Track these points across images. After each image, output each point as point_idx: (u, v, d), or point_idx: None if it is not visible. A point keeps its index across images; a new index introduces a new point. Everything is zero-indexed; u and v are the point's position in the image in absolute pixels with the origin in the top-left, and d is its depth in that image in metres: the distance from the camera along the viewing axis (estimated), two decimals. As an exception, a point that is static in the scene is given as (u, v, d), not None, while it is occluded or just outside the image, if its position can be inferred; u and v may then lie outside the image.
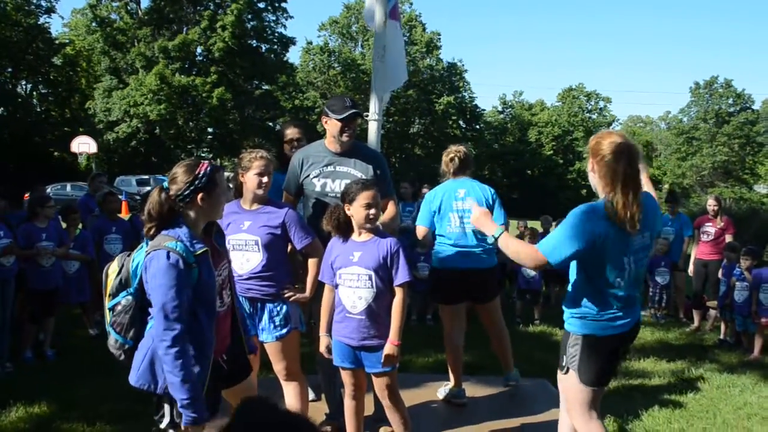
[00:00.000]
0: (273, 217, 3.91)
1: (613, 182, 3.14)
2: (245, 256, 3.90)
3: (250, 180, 3.90)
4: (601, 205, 3.19)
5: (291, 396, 4.11)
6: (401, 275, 3.69)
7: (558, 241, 3.21)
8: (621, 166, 3.13)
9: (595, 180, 3.28)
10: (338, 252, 3.81)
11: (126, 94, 37.12)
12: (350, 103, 4.27)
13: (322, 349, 3.93)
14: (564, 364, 3.41)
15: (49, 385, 5.54)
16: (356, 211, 3.71)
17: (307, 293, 3.97)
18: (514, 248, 3.40)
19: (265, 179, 3.88)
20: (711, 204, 9.18)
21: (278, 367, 4.05)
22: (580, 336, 3.34)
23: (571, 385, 3.43)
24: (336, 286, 3.83)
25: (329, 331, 3.89)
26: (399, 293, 3.71)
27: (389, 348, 3.70)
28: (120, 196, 11.31)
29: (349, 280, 3.74)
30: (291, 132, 4.90)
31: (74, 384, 5.53)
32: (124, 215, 10.06)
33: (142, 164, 39.10)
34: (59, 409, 4.98)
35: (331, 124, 4.27)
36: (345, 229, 3.80)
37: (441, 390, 5.33)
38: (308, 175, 4.35)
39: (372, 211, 3.69)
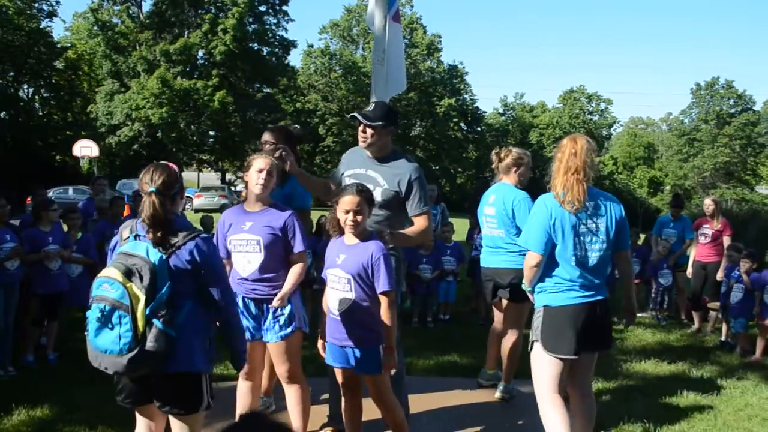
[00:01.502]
0: (275, 219, 3.93)
1: (558, 170, 3.82)
2: (246, 258, 3.94)
3: (250, 177, 3.95)
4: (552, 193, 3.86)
5: (293, 398, 4.12)
6: (382, 284, 3.66)
7: (530, 231, 3.88)
8: (565, 155, 3.82)
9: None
10: (329, 253, 3.85)
11: (128, 97, 37.20)
12: (367, 108, 4.42)
13: (319, 346, 3.98)
14: (531, 339, 3.95)
15: (51, 388, 5.55)
16: (338, 213, 3.75)
17: (278, 297, 3.92)
18: (524, 273, 3.99)
19: (263, 175, 3.91)
20: (707, 204, 9.15)
21: (281, 368, 4.06)
22: (541, 309, 3.90)
23: (536, 357, 3.91)
24: None
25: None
26: (383, 301, 3.69)
27: (385, 355, 3.73)
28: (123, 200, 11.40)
29: (332, 281, 3.78)
30: (264, 136, 4.96)
31: (76, 387, 5.53)
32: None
33: (144, 167, 38.63)
34: (61, 413, 4.99)
35: None
36: (340, 229, 3.82)
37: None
38: (343, 173, 4.49)
39: (350, 217, 3.67)
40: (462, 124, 54.03)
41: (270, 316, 3.96)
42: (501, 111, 62.09)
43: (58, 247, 6.53)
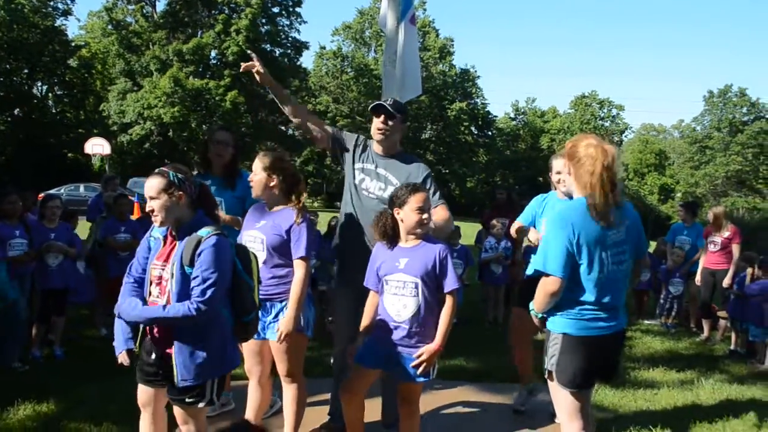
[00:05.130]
0: (284, 221, 3.89)
1: (591, 184, 3.28)
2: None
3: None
4: (579, 202, 3.33)
5: (288, 397, 4.11)
6: (450, 282, 3.60)
7: (548, 250, 3.31)
8: (597, 169, 3.27)
9: (570, 182, 3.43)
10: (383, 258, 3.73)
11: (140, 96, 37.38)
12: (389, 102, 4.36)
13: (351, 351, 3.85)
14: (545, 366, 3.48)
15: (57, 383, 5.55)
16: (407, 215, 3.63)
17: (289, 319, 3.82)
18: (536, 298, 3.42)
19: (251, 176, 3.99)
20: (710, 216, 9.08)
21: (280, 367, 4.05)
22: (559, 335, 3.40)
23: (553, 388, 3.49)
24: (380, 293, 3.76)
25: (368, 335, 3.82)
26: (449, 300, 3.63)
27: (428, 351, 3.60)
28: (132, 198, 11.39)
29: (394, 287, 3.66)
30: (222, 136, 4.92)
31: (82, 383, 5.54)
32: (136, 216, 10.07)
33: (155, 166, 38.20)
34: (66, 408, 4.98)
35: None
36: (391, 236, 3.72)
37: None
38: (354, 160, 4.43)
39: (425, 215, 3.62)
40: (473, 128, 54.02)
41: (272, 315, 3.93)
42: (512, 116, 62.12)
43: (61, 244, 6.56)
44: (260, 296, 3.88)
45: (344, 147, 4.50)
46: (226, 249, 3.16)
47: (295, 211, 3.92)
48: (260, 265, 3.86)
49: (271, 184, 3.92)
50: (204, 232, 3.13)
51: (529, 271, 5.15)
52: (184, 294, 3.08)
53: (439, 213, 4.20)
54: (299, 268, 3.87)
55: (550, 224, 3.39)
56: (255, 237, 3.93)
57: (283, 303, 3.92)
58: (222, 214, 4.48)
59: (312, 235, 3.93)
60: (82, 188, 28.71)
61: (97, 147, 29.33)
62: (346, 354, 3.99)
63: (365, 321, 3.85)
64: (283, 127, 43.30)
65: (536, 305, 3.42)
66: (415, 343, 3.64)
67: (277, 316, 3.93)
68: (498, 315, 9.01)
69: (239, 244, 3.42)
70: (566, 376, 3.39)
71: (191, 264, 3.08)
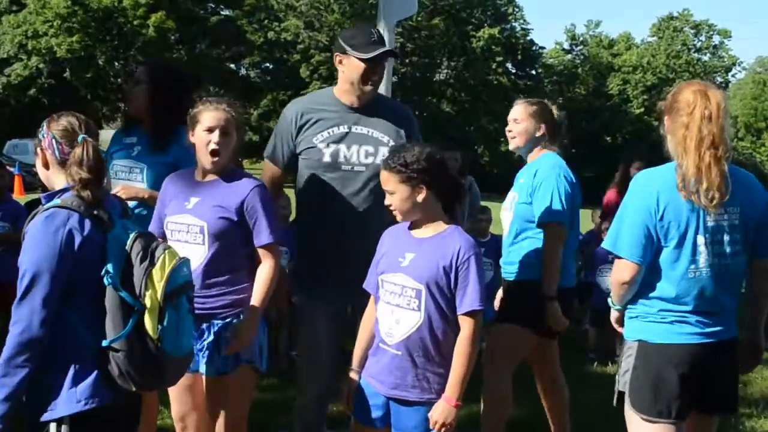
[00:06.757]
0: (231, 195, 3.85)
1: (684, 141, 3.35)
2: (185, 251, 3.73)
3: (198, 139, 3.85)
4: (671, 166, 3.44)
5: None
6: (470, 299, 3.43)
7: (620, 229, 3.49)
8: (695, 119, 3.32)
9: (669, 144, 3.50)
10: (389, 246, 3.69)
11: (22, 19, 37.34)
12: (378, 37, 4.29)
13: (347, 394, 3.79)
14: (617, 387, 3.58)
15: None
16: None
17: (250, 325, 3.87)
18: (611, 286, 3.69)
19: (216, 137, 3.80)
20: None
21: (217, 416, 4.00)
22: (634, 343, 3.53)
23: (629, 419, 3.52)
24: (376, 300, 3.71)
25: (362, 366, 3.76)
26: (467, 326, 3.45)
27: (441, 409, 3.47)
28: (11, 169, 11.21)
29: (389, 292, 3.58)
30: (137, 72, 4.98)
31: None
32: (19, 196, 10.00)
33: (43, 120, 39.36)
34: None
35: (351, 66, 4.23)
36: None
37: None
38: (310, 139, 4.35)
39: (385, 201, 3.58)
40: (509, 65, 54.10)
41: (210, 338, 3.86)
42: (566, 46, 62.11)
43: None
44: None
45: (295, 143, 4.43)
46: (65, 231, 2.94)
47: (249, 178, 3.97)
48: (194, 265, 3.76)
49: (231, 148, 3.94)
50: (50, 204, 3.02)
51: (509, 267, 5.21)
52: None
53: None
54: (267, 259, 3.89)
55: (628, 192, 3.53)
56: (189, 225, 3.87)
57: (228, 320, 3.88)
58: (137, 187, 4.53)
59: (276, 211, 4.01)
60: (-63, 155, 28.79)
61: (-41, 94, 29.38)
62: (316, 406, 3.95)
63: (359, 343, 3.79)
64: (232, 65, 43.25)
65: (612, 296, 3.62)
66: (411, 383, 3.53)
67: (216, 339, 3.86)
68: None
69: (145, 234, 3.16)
70: (643, 399, 3.43)
71: None
